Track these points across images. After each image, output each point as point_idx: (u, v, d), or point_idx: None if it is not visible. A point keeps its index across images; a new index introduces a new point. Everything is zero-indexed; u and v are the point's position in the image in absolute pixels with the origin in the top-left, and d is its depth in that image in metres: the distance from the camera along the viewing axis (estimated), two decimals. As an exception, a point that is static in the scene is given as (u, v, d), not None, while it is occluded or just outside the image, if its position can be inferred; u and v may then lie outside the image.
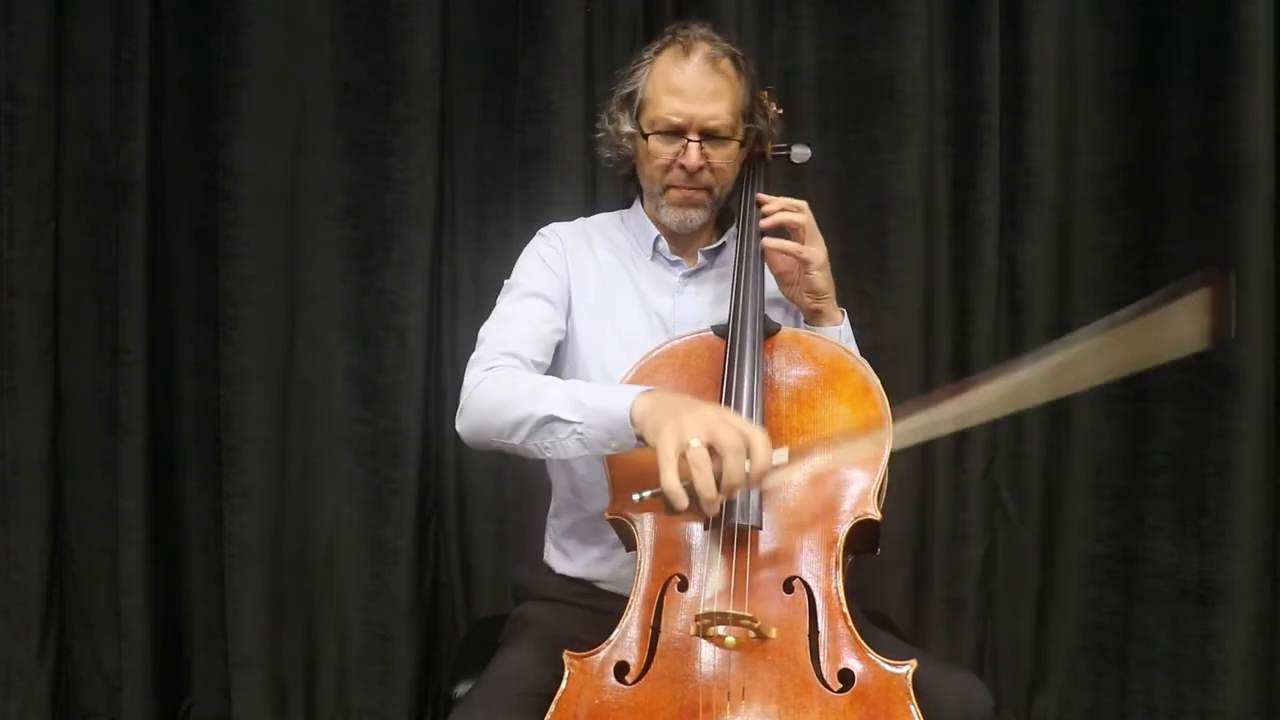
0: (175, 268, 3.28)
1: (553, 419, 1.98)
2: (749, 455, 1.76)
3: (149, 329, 3.20)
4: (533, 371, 2.21)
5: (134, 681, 3.22)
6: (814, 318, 2.31)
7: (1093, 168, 3.15)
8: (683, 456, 1.75)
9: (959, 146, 3.15)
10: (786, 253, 2.25)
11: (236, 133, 3.18)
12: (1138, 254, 3.13)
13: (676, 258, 2.39)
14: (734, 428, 1.77)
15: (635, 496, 1.85)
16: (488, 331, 2.27)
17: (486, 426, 2.10)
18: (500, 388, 2.10)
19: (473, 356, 2.22)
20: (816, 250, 2.26)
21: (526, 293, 2.33)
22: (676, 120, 2.25)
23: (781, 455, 1.85)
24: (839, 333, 2.30)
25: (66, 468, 3.31)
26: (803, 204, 2.29)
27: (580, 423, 1.95)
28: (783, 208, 2.27)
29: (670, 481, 1.74)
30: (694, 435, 1.75)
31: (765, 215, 2.28)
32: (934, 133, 3.15)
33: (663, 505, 1.76)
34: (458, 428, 2.16)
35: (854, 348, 2.28)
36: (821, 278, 2.27)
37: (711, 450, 1.76)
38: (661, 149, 2.28)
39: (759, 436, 1.78)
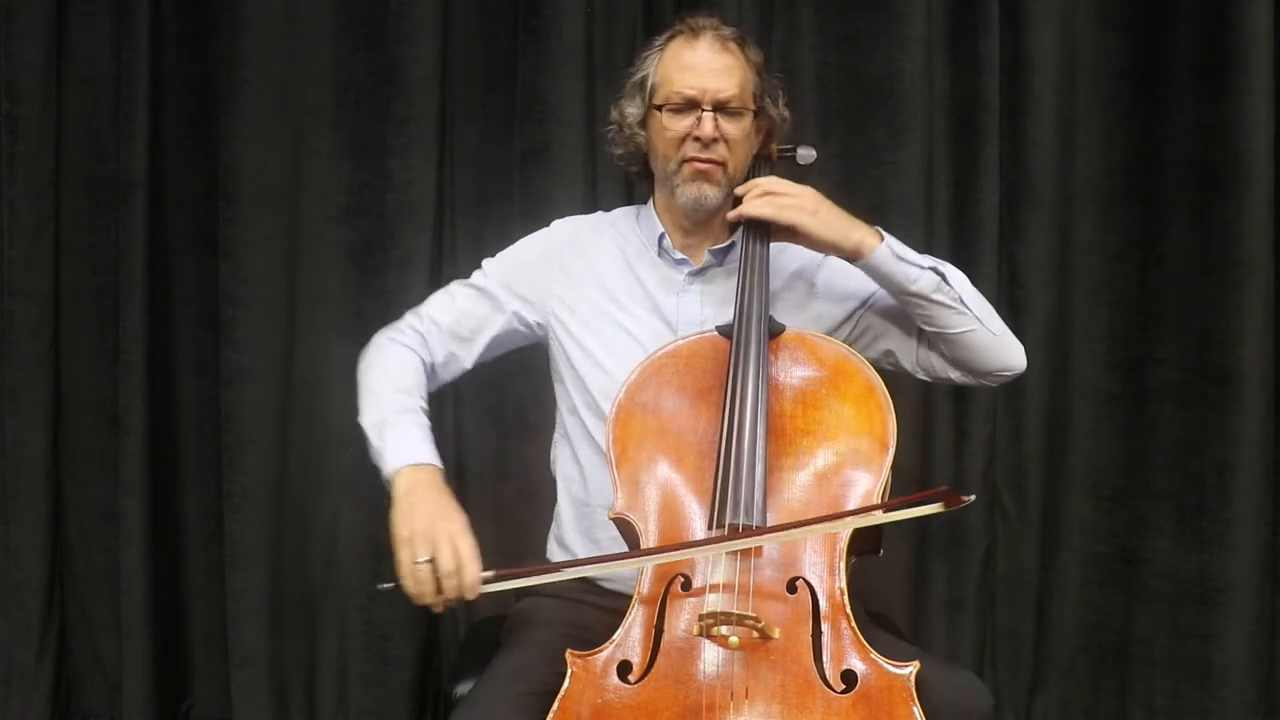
0: (175, 268, 3.28)
1: (364, 432, 2.28)
2: (459, 574, 1.98)
3: (149, 329, 3.20)
4: (429, 356, 2.41)
5: (134, 681, 3.22)
6: (855, 257, 2.22)
7: (1093, 168, 3.15)
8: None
9: (959, 146, 3.15)
10: (765, 219, 2.23)
11: (236, 133, 3.18)
12: (1138, 254, 3.13)
13: (683, 256, 2.37)
14: (451, 550, 1.99)
15: (380, 586, 2.05)
16: (432, 296, 2.50)
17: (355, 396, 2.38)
18: (371, 369, 2.40)
19: (408, 313, 2.47)
20: (795, 211, 2.20)
21: (476, 282, 2.47)
22: (690, 93, 2.26)
23: (488, 574, 2.01)
24: (886, 250, 2.20)
25: (66, 467, 3.31)
26: (763, 190, 2.25)
27: (375, 451, 2.24)
28: (747, 209, 2.24)
29: (409, 588, 2.00)
30: (421, 552, 1.99)
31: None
32: (934, 133, 3.14)
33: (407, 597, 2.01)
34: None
35: (910, 253, 2.21)
36: (820, 230, 2.20)
37: None
38: (675, 123, 2.28)
39: (467, 557, 1.99)
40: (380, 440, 2.21)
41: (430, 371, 2.40)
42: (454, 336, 2.41)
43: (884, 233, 2.23)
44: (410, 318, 2.43)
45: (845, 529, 1.97)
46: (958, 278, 2.23)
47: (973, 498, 1.88)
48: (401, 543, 2.01)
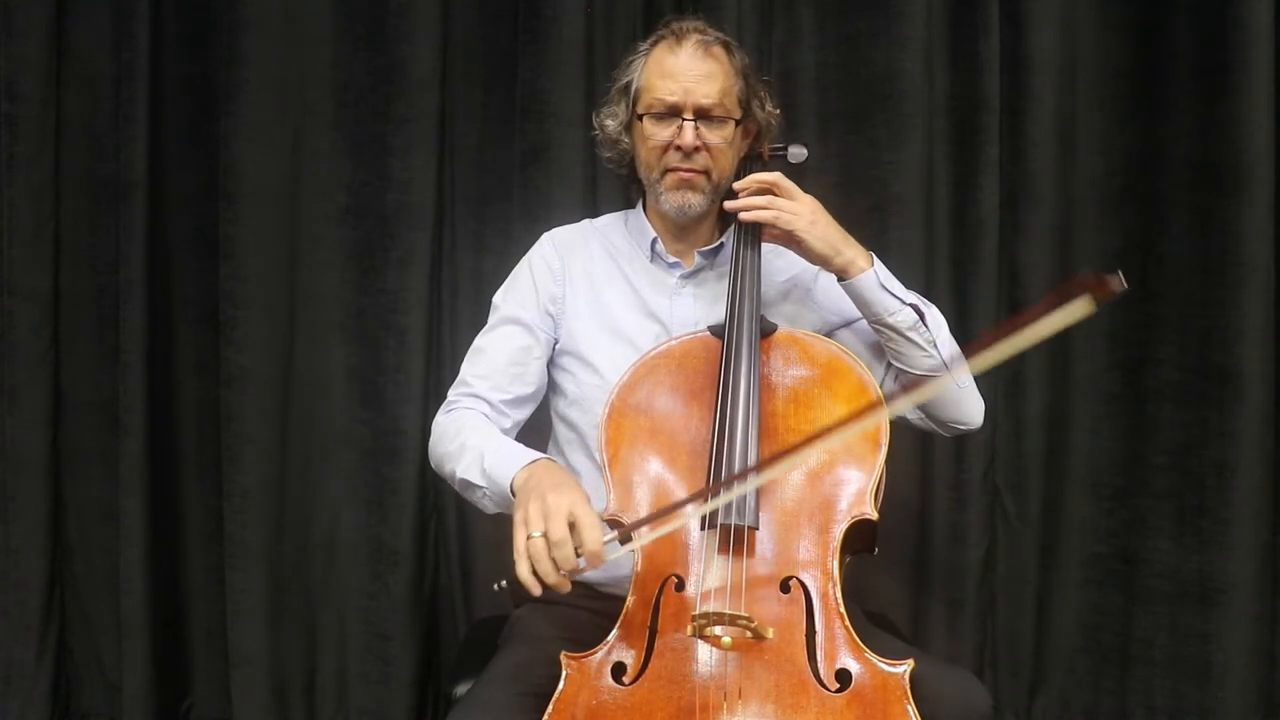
0: (175, 268, 3.28)
1: (469, 483, 2.15)
2: (579, 542, 1.85)
3: (149, 329, 3.20)
4: (493, 407, 2.34)
5: (134, 681, 3.22)
6: (841, 275, 2.25)
7: (1093, 168, 3.15)
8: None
9: (959, 146, 3.15)
10: (764, 223, 2.24)
11: (236, 133, 3.18)
12: (1138, 254, 3.12)
13: (675, 259, 2.39)
14: (564, 518, 1.86)
15: (495, 586, 1.92)
16: (463, 365, 2.42)
17: (439, 473, 2.33)
18: (442, 439, 2.29)
19: (449, 390, 2.40)
20: (794, 218, 2.21)
21: (503, 318, 2.43)
22: (671, 99, 2.27)
23: (611, 534, 1.92)
24: (871, 276, 2.22)
25: (66, 467, 3.31)
26: (770, 184, 2.25)
27: (486, 488, 2.13)
28: (748, 208, 2.24)
29: (522, 572, 1.86)
30: (535, 528, 1.87)
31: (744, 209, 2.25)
32: (934, 133, 3.14)
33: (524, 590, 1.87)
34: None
35: (896, 285, 2.25)
36: (814, 241, 2.22)
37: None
38: (657, 131, 2.30)
39: (586, 522, 1.86)
40: (486, 470, 2.12)
41: (499, 417, 2.36)
42: (513, 377, 2.36)
43: (876, 259, 2.25)
44: (454, 392, 2.39)
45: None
46: (936, 321, 2.27)
47: (1120, 277, 1.75)
48: (516, 525, 1.90)
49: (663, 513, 1.95)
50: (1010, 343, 1.82)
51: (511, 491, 2.03)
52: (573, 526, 1.85)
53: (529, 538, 1.85)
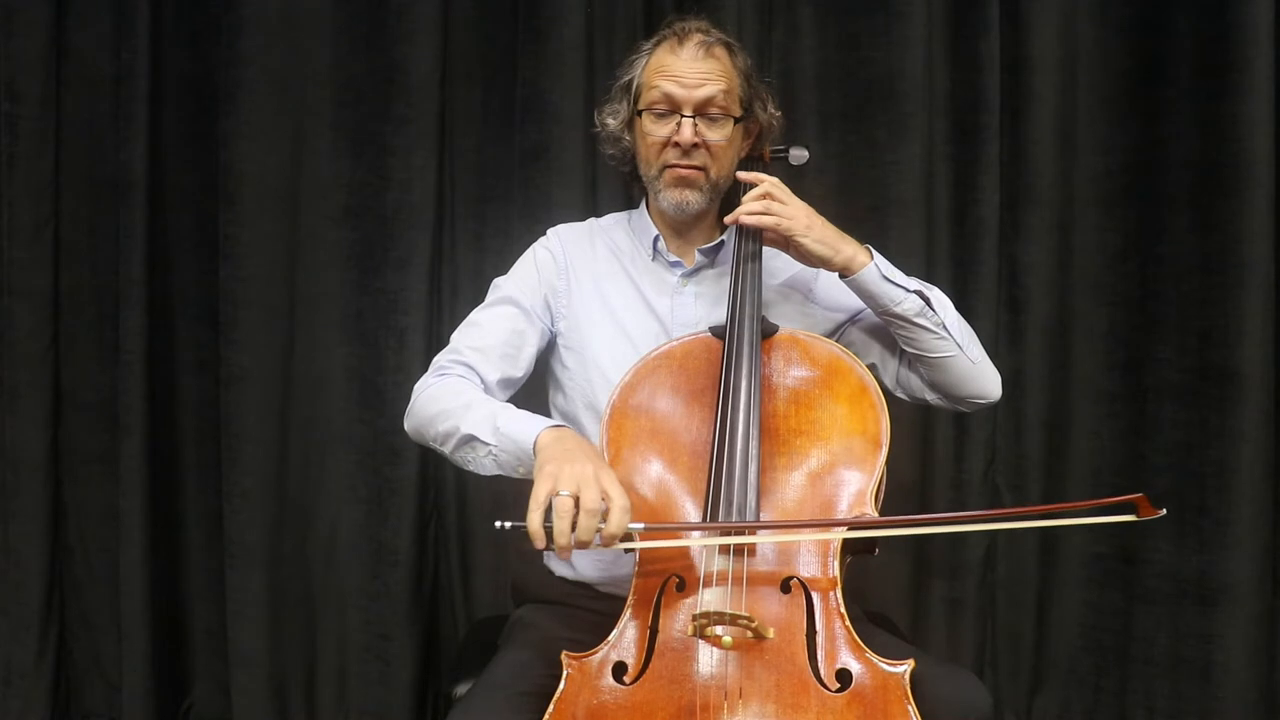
0: (175, 268, 3.28)
1: (473, 438, 2.10)
2: (605, 518, 1.84)
3: (149, 329, 3.20)
4: (483, 382, 2.29)
5: (134, 681, 3.22)
6: (844, 273, 2.25)
7: (1093, 168, 3.15)
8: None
9: (959, 146, 3.15)
10: (764, 228, 2.24)
11: (236, 133, 3.18)
12: (1138, 254, 3.13)
13: (676, 258, 2.39)
14: (600, 491, 1.85)
15: (497, 524, 1.90)
16: (455, 335, 2.38)
17: (423, 431, 2.25)
18: (440, 397, 2.22)
19: (435, 357, 2.35)
20: (792, 222, 2.22)
21: (502, 298, 2.41)
22: (670, 96, 2.27)
23: (637, 526, 1.90)
24: (874, 270, 2.22)
25: (66, 467, 3.31)
26: (764, 193, 2.25)
27: (495, 445, 2.08)
28: (748, 213, 2.23)
29: (533, 522, 1.83)
30: (565, 486, 1.84)
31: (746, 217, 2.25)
32: (934, 133, 3.14)
33: (525, 537, 1.85)
34: (405, 426, 2.30)
35: (898, 274, 2.24)
36: (813, 244, 2.22)
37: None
38: (656, 128, 2.30)
39: (619, 504, 1.85)
40: (500, 428, 2.07)
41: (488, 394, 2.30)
42: (504, 356, 2.33)
43: (874, 252, 2.25)
44: (444, 359, 2.33)
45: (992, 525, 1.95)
46: (942, 303, 2.27)
47: (1164, 512, 1.88)
48: (544, 477, 1.87)
49: (678, 528, 1.99)
50: (1045, 520, 1.91)
51: (533, 451, 2.00)
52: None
53: (557, 494, 1.84)
